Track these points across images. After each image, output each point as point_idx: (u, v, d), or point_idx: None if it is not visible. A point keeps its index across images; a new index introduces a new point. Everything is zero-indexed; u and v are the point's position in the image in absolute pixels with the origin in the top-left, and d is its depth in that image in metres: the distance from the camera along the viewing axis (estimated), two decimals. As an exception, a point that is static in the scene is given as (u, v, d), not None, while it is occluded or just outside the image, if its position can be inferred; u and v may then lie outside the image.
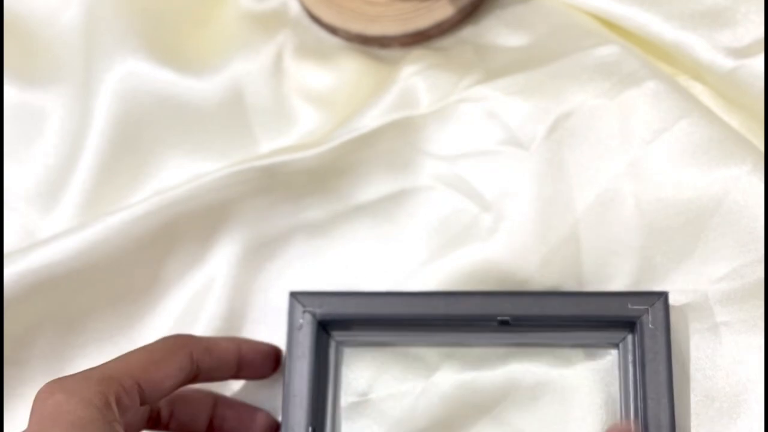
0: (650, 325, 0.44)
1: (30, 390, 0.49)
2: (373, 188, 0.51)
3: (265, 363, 0.46)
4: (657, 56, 0.51)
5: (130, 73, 0.55)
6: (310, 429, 0.44)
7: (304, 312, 0.46)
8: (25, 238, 0.53)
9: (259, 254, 0.50)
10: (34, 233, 0.53)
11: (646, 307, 0.45)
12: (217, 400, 0.46)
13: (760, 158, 0.47)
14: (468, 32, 0.55)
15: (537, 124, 0.50)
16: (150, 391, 0.39)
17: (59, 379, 0.37)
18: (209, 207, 0.49)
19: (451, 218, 0.50)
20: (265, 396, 0.48)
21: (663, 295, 0.45)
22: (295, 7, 0.57)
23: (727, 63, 0.48)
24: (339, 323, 0.47)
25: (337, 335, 0.47)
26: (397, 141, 0.51)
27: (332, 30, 0.56)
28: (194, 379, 0.42)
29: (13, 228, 0.53)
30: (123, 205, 0.51)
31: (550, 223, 0.48)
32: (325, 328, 0.47)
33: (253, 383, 0.48)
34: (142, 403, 0.39)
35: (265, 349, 0.46)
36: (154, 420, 0.44)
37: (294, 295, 0.46)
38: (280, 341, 0.48)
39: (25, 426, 0.49)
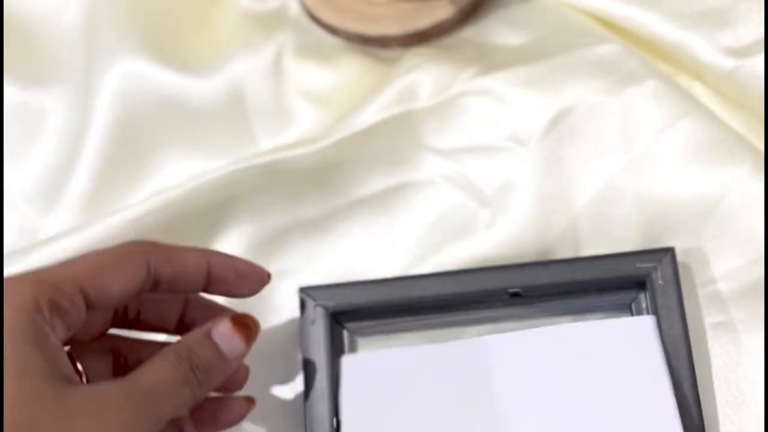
0: (660, 281, 0.44)
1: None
2: (372, 183, 0.51)
3: (240, 281, 0.43)
4: (657, 56, 0.51)
5: (130, 72, 0.55)
6: (334, 420, 0.44)
7: (315, 306, 0.46)
8: (26, 238, 0.53)
9: (260, 251, 0.50)
10: (35, 233, 0.53)
11: (654, 264, 0.45)
12: (188, 300, 0.44)
13: (760, 158, 0.47)
14: (468, 32, 0.55)
15: (537, 120, 0.50)
16: (97, 297, 0.37)
17: None
18: (209, 206, 0.49)
19: (449, 213, 0.50)
20: (286, 392, 0.48)
21: (670, 251, 0.45)
22: (295, 8, 0.57)
23: (727, 63, 0.48)
24: (351, 314, 0.47)
25: (350, 326, 0.47)
26: (396, 135, 0.51)
27: (332, 30, 0.56)
28: (154, 287, 0.40)
29: (14, 228, 0.54)
30: (123, 205, 0.51)
31: (548, 220, 0.49)
32: (338, 320, 0.47)
33: (267, 373, 0.48)
34: (90, 308, 0.37)
35: (242, 267, 0.43)
36: (120, 319, 0.42)
37: (304, 291, 0.47)
38: (286, 335, 0.48)
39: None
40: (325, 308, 0.46)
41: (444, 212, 0.50)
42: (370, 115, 0.51)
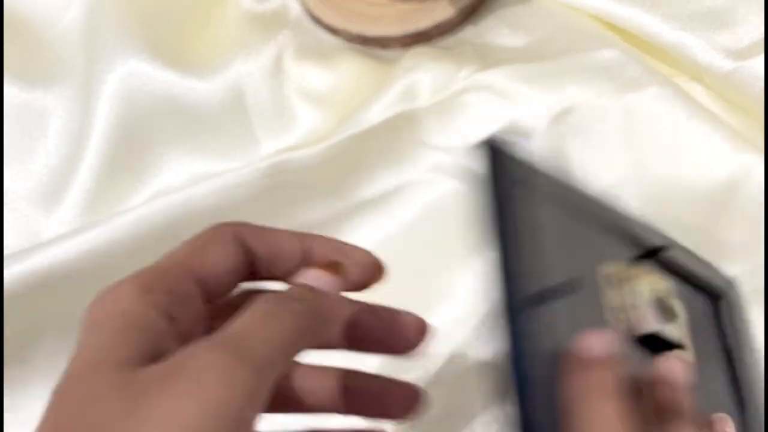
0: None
1: (33, 390, 0.49)
2: (375, 184, 0.51)
3: (354, 266, 0.35)
4: (657, 57, 0.51)
5: (131, 73, 0.55)
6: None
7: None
8: (28, 239, 0.53)
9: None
10: (37, 233, 0.53)
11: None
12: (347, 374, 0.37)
13: (760, 159, 0.47)
14: (468, 33, 0.55)
15: (539, 116, 0.50)
16: (208, 278, 0.33)
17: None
18: (212, 209, 0.49)
19: (454, 210, 0.50)
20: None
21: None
22: (295, 8, 0.57)
23: (726, 64, 0.48)
24: None
25: None
26: (399, 135, 0.51)
27: (333, 31, 0.56)
28: (254, 269, 0.35)
29: (15, 228, 0.54)
30: (126, 207, 0.51)
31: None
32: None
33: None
34: (205, 294, 0.32)
35: (350, 251, 0.35)
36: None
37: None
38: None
39: (29, 429, 0.49)
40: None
41: (449, 209, 0.50)
42: (371, 116, 0.51)
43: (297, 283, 0.33)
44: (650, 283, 0.38)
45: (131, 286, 0.31)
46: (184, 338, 0.30)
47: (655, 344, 0.36)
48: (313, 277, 0.33)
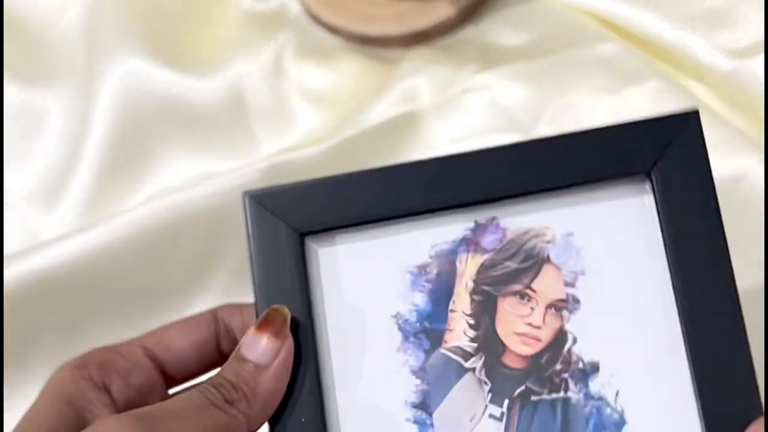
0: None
1: (33, 390, 0.49)
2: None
3: None
4: (657, 56, 0.51)
5: (131, 73, 0.55)
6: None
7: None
8: (28, 239, 0.53)
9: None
10: (36, 233, 0.53)
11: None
12: None
13: (760, 158, 0.47)
14: (468, 32, 0.55)
15: (538, 113, 0.50)
16: (163, 352, 0.36)
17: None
18: (213, 209, 0.49)
19: None
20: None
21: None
22: (295, 8, 0.57)
23: (727, 64, 0.48)
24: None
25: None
26: (401, 135, 0.51)
27: (332, 30, 0.56)
28: (232, 341, 0.37)
29: (15, 227, 0.54)
30: (126, 207, 0.51)
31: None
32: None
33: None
34: (165, 365, 0.36)
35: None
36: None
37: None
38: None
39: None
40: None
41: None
42: (372, 116, 0.51)
43: (233, 363, 0.34)
44: None
45: (71, 361, 0.35)
46: (128, 407, 0.34)
47: None
48: (250, 348, 0.34)
